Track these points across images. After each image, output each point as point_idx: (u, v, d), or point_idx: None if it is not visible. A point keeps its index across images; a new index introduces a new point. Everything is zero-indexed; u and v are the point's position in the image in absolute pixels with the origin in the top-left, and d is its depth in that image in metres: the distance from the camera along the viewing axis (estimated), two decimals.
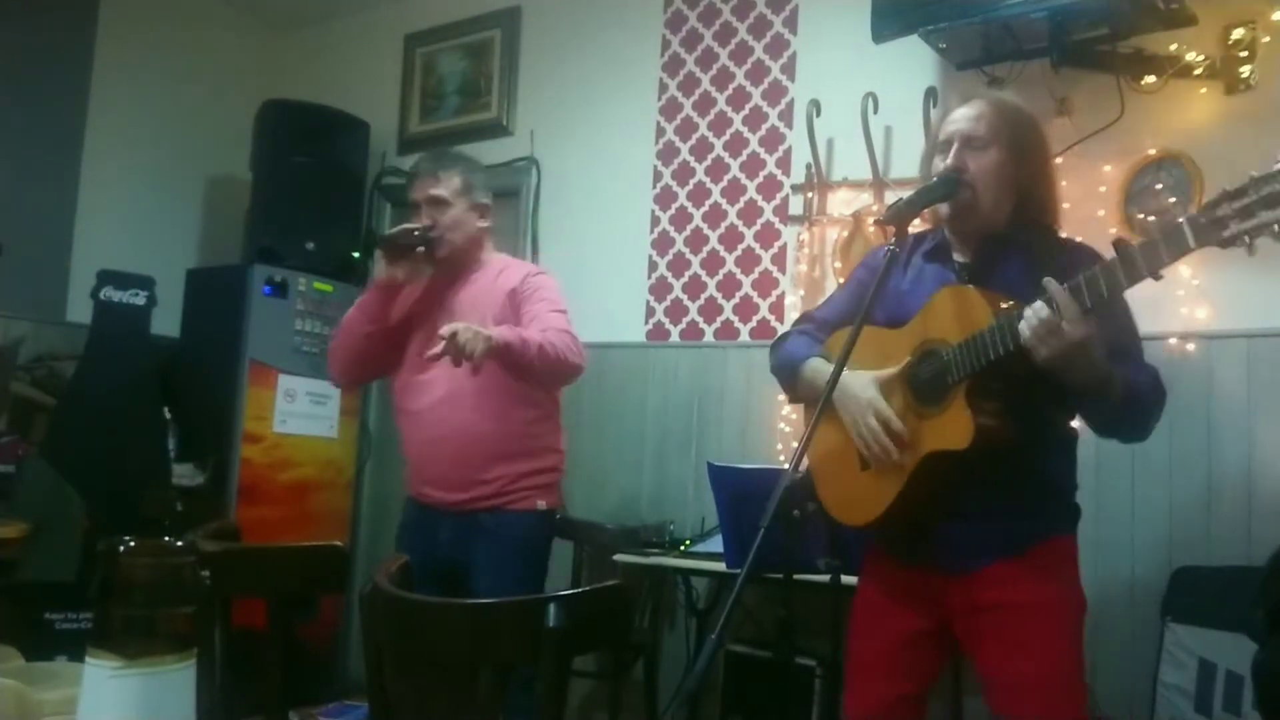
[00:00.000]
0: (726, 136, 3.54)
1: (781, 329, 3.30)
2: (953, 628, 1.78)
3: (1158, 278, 1.45)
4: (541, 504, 2.52)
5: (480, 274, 2.59)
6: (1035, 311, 1.51)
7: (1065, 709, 1.67)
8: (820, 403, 1.65)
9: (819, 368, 1.86)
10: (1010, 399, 1.64)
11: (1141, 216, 2.71)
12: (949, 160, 1.78)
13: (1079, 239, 1.86)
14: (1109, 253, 1.52)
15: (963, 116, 1.81)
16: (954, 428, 1.63)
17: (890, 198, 3.05)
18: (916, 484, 1.69)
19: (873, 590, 1.89)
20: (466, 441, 2.45)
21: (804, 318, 2.08)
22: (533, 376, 2.40)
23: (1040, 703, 1.66)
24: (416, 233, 2.49)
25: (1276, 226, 1.34)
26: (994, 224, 1.80)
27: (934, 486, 1.69)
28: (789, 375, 1.96)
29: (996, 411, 1.63)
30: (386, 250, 2.49)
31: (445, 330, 2.14)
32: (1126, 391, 1.59)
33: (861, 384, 1.76)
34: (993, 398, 1.63)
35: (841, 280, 3.18)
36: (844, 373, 1.69)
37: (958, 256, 1.85)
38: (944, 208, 1.79)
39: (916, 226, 1.84)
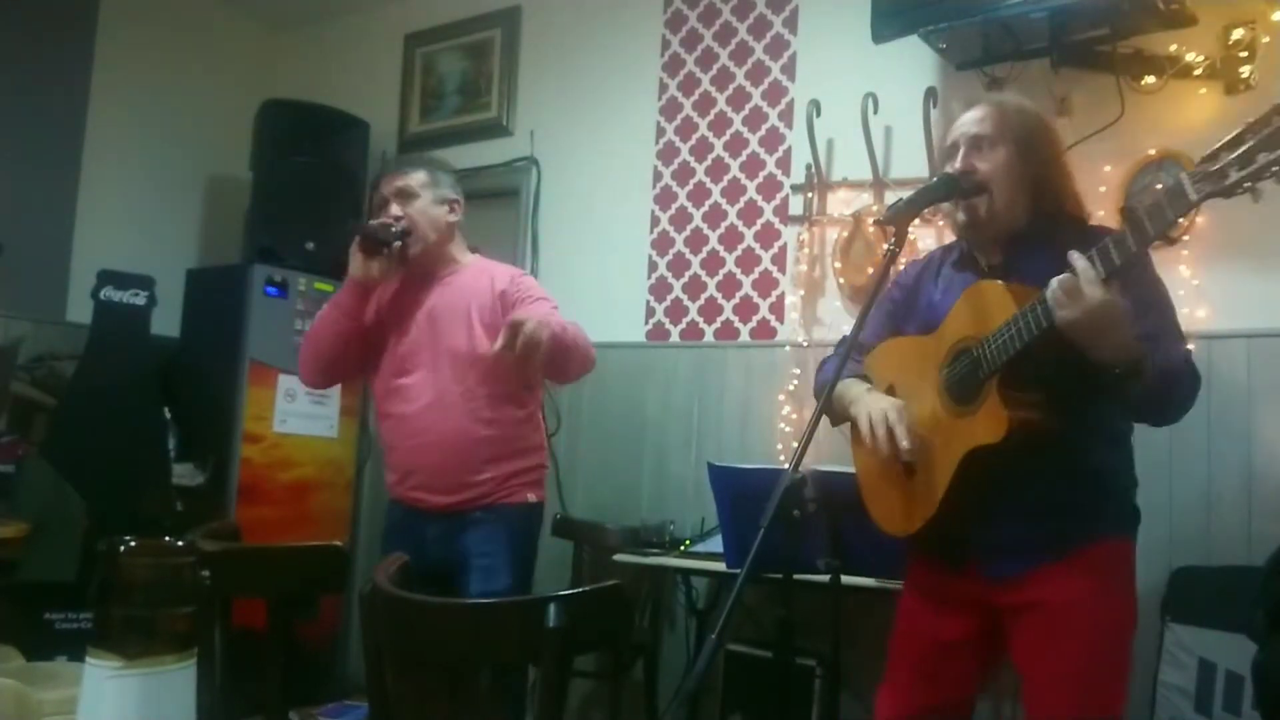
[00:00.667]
0: (726, 137, 3.54)
1: (781, 329, 3.33)
2: (999, 623, 1.75)
3: (1169, 240, 1.44)
4: (531, 497, 2.53)
5: (456, 275, 2.57)
6: (1057, 278, 1.50)
7: (1085, 711, 1.63)
8: (818, 406, 1.65)
9: (848, 387, 1.88)
10: (1046, 388, 1.61)
11: None
12: (957, 163, 1.77)
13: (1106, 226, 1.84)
14: None
15: (967, 120, 1.80)
16: (988, 422, 1.61)
17: (890, 198, 3.05)
18: (960, 486, 1.66)
19: (914, 597, 1.88)
20: (458, 446, 2.43)
21: (842, 342, 2.09)
22: (569, 368, 2.40)
23: (1061, 702, 1.64)
24: (394, 228, 2.48)
25: (1277, 168, 1.32)
26: (1014, 223, 1.78)
27: (979, 489, 1.66)
28: (826, 401, 1.96)
29: (1032, 403, 1.60)
30: (363, 244, 2.48)
31: (517, 317, 2.14)
32: (1158, 372, 1.55)
33: (872, 399, 1.78)
34: (1026, 388, 1.61)
35: (842, 281, 3.20)
36: (862, 400, 1.74)
37: (984, 260, 1.83)
38: (960, 216, 1.77)
39: (917, 226, 1.84)
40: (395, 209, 2.51)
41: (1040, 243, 1.74)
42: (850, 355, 1.79)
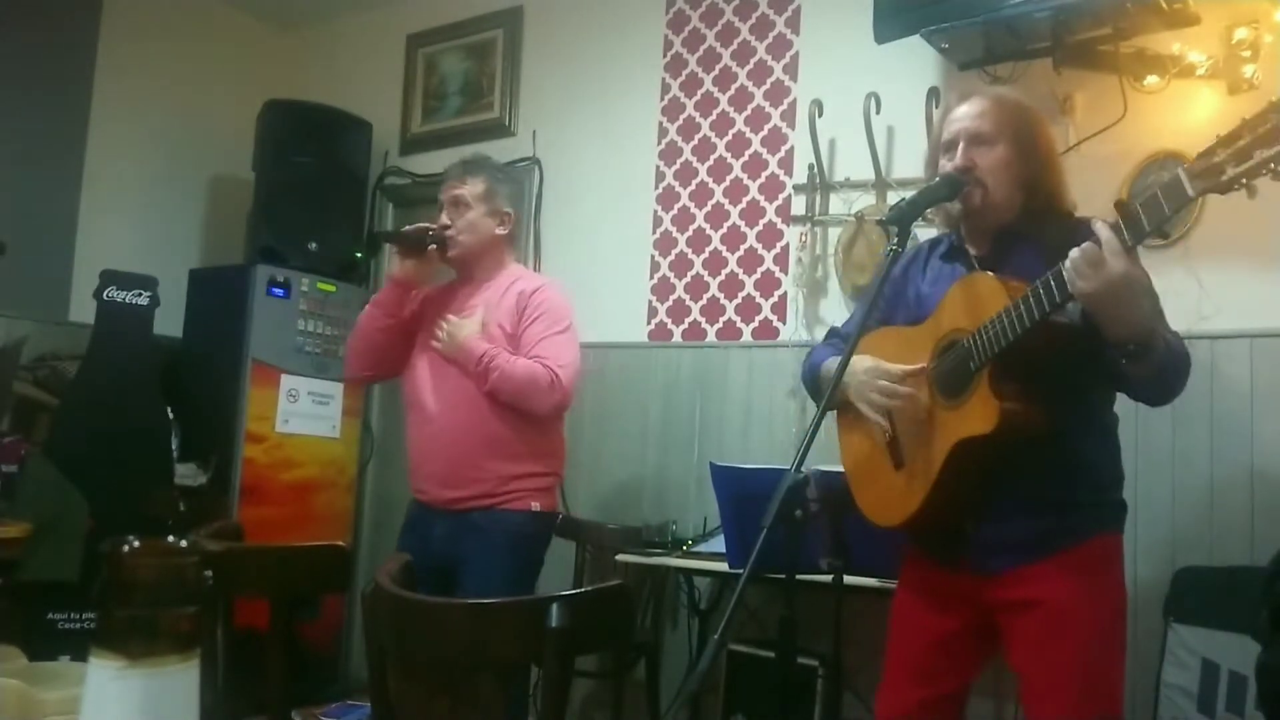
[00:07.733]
0: (729, 137, 3.54)
1: (783, 329, 3.33)
2: (993, 620, 1.75)
3: (1164, 236, 1.44)
4: (536, 505, 2.52)
5: (492, 282, 2.63)
6: (1078, 248, 1.48)
7: (1087, 709, 1.64)
8: (826, 396, 1.65)
9: (834, 366, 1.88)
10: (1036, 381, 1.61)
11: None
12: (957, 159, 1.78)
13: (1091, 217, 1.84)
14: None
15: (966, 114, 1.81)
16: (978, 414, 1.62)
17: (893, 198, 3.05)
18: (948, 478, 1.66)
19: (907, 592, 1.88)
20: (468, 441, 2.47)
21: (831, 333, 2.13)
22: (518, 403, 2.48)
23: (1063, 702, 1.64)
24: (430, 231, 2.57)
25: (1274, 164, 1.32)
26: (1006, 218, 1.80)
27: (968, 482, 1.66)
28: (812, 383, 2.02)
29: (1022, 395, 1.60)
30: (399, 246, 2.59)
31: (450, 321, 2.46)
32: (1166, 347, 1.55)
33: (860, 362, 1.78)
34: (1017, 380, 1.60)
35: (844, 280, 3.19)
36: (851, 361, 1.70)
37: (972, 251, 1.85)
38: (955, 206, 1.78)
39: (919, 225, 1.84)
40: (445, 217, 2.60)
41: (1027, 237, 1.76)
42: (848, 342, 1.79)
